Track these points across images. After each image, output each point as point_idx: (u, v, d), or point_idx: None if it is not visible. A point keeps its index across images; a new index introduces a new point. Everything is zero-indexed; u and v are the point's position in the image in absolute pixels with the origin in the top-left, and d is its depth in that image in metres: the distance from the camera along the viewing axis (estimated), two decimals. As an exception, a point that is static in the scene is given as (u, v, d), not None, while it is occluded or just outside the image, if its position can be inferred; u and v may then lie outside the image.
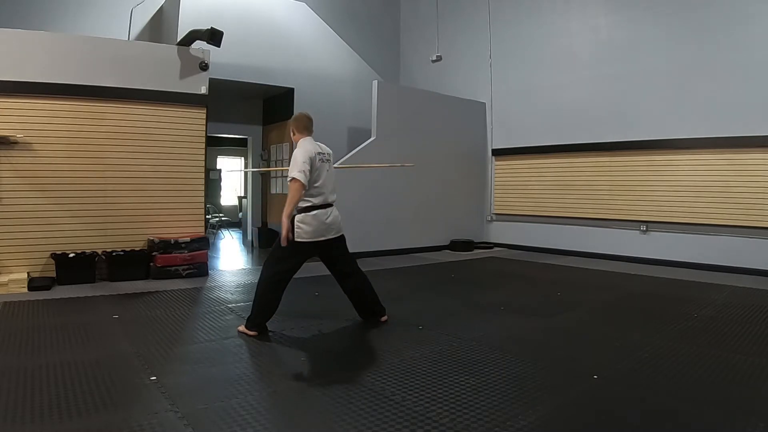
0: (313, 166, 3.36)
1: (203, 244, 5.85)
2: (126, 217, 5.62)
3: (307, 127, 3.59)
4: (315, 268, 6.46)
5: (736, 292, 4.92)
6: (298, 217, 3.37)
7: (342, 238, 3.62)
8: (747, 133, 5.91)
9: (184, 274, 5.59)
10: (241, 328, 3.47)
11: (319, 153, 3.45)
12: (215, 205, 11.83)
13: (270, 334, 3.48)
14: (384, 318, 3.79)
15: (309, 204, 3.39)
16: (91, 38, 5.74)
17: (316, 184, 3.39)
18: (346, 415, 2.19)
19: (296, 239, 3.34)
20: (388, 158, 7.63)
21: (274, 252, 3.54)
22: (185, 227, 5.90)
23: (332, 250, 3.57)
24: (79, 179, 5.39)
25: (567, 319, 3.97)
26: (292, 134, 3.63)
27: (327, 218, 3.43)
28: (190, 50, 6.07)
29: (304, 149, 3.38)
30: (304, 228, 3.36)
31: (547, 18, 8.16)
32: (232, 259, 7.65)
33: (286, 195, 9.41)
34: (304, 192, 3.33)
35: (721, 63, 6.15)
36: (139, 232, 5.70)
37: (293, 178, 3.26)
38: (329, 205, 3.48)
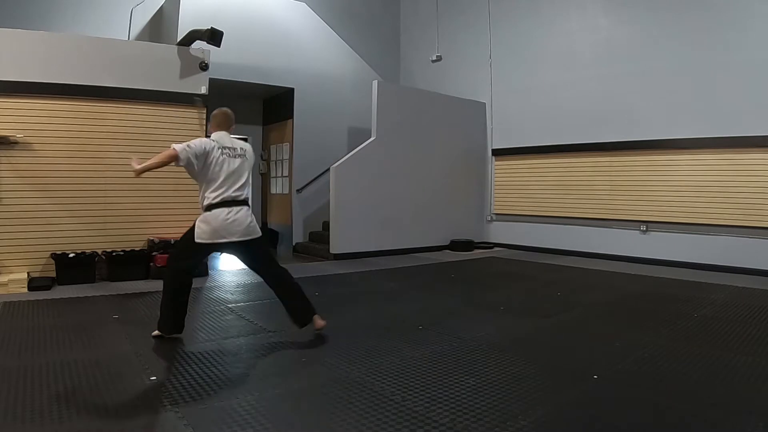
0: (210, 159, 3.14)
1: (203, 244, 5.84)
2: (126, 217, 5.63)
3: (220, 123, 3.36)
4: (315, 268, 6.48)
5: (736, 292, 4.91)
6: (199, 218, 3.21)
7: (255, 242, 3.29)
8: (747, 133, 5.91)
9: (184, 274, 5.58)
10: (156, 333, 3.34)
11: (225, 147, 3.22)
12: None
13: (269, 334, 3.48)
14: (319, 324, 3.40)
15: (208, 202, 3.16)
16: (91, 38, 5.75)
17: (215, 181, 3.17)
18: (346, 415, 2.19)
19: (196, 239, 3.15)
20: (389, 158, 7.64)
21: (173, 249, 3.35)
22: (185, 227, 5.84)
23: (246, 253, 3.33)
24: (79, 179, 5.39)
25: (567, 319, 3.97)
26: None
27: (228, 217, 3.15)
28: (190, 50, 6.07)
29: (201, 139, 3.21)
30: (203, 228, 3.15)
31: (547, 18, 8.16)
32: (232, 259, 7.64)
33: (285, 195, 9.35)
34: (200, 186, 3.21)
35: (721, 63, 6.14)
36: (139, 232, 5.71)
37: (173, 147, 3.04)
38: (233, 203, 3.19)
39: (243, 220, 3.22)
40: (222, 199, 3.17)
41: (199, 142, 3.15)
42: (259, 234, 3.34)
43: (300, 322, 3.41)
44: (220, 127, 3.37)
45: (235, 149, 3.30)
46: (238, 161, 3.29)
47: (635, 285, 5.37)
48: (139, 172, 3.02)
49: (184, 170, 3.21)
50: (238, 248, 3.28)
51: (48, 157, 5.23)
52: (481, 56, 9.00)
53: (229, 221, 3.15)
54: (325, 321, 3.45)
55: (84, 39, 5.65)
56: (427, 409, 2.25)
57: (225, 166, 3.21)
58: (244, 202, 3.28)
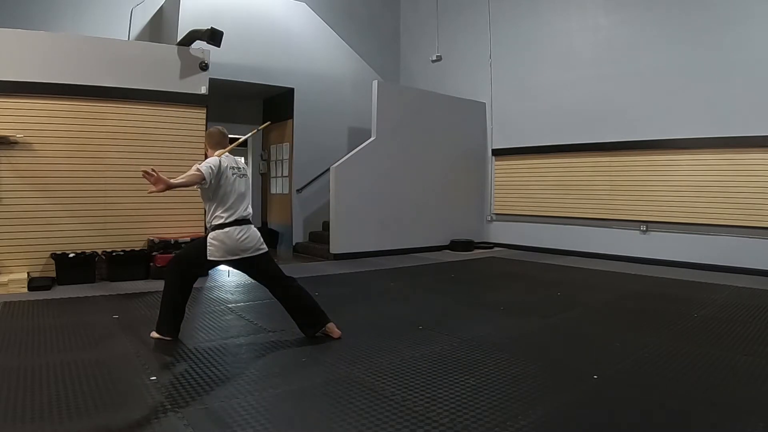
0: (222, 179, 3.16)
1: (203, 244, 5.85)
2: (126, 217, 5.62)
3: (219, 142, 3.36)
4: (315, 268, 6.48)
5: (736, 292, 4.92)
6: (210, 235, 3.20)
7: (263, 257, 3.31)
8: (747, 133, 5.91)
9: (184, 274, 5.59)
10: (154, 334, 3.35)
11: (233, 167, 3.25)
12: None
13: (269, 334, 3.48)
14: (334, 333, 3.38)
15: (220, 221, 3.17)
16: (91, 38, 5.75)
17: (227, 201, 3.19)
18: (346, 415, 2.19)
19: (208, 257, 3.16)
20: (389, 158, 7.65)
21: (179, 253, 3.44)
22: (185, 227, 5.90)
23: (255, 268, 3.33)
24: (79, 179, 5.39)
25: (567, 319, 3.97)
26: (206, 151, 3.43)
27: (240, 236, 3.18)
28: (190, 50, 6.07)
29: (212, 159, 3.19)
30: (217, 245, 3.15)
31: (547, 18, 8.16)
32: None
33: (285, 195, 9.33)
34: (211, 204, 3.19)
35: (721, 63, 6.14)
36: (139, 232, 5.70)
37: (198, 169, 3.03)
38: (244, 221, 3.24)
39: (254, 236, 3.28)
40: (235, 218, 3.20)
41: (216, 162, 3.16)
42: (266, 249, 3.37)
43: (310, 334, 3.38)
44: (219, 146, 3.35)
45: (240, 168, 3.35)
46: (244, 180, 3.35)
47: (635, 285, 5.37)
48: (165, 189, 2.90)
49: (183, 171, 3.19)
50: (247, 263, 3.29)
51: (48, 157, 5.23)
52: (481, 56, 9.00)
53: (240, 240, 3.19)
54: (340, 332, 3.39)
55: (84, 39, 5.65)
56: (427, 409, 2.25)
57: (236, 186, 3.25)
58: (251, 220, 3.35)
